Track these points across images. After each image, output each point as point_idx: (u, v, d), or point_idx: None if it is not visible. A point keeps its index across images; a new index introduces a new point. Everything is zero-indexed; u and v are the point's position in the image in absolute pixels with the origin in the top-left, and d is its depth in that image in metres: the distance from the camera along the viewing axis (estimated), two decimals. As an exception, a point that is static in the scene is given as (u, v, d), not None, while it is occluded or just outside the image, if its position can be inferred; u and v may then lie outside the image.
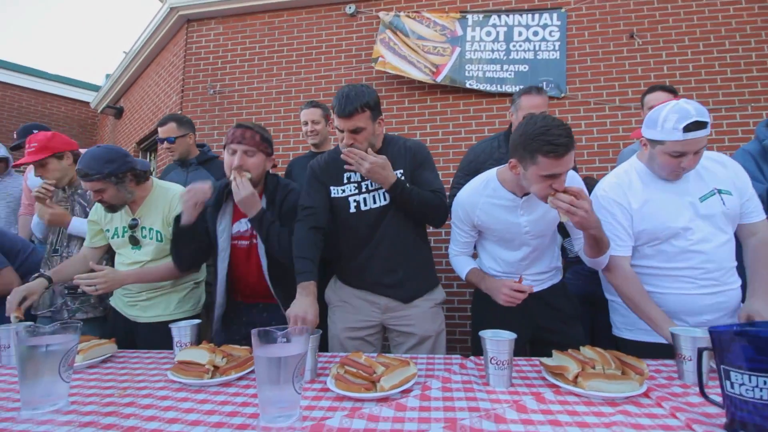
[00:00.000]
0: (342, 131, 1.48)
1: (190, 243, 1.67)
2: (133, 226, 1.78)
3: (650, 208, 1.41)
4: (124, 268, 1.78)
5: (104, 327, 1.95)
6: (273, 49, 3.85)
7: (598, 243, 1.32)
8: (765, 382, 0.78)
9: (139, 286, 1.78)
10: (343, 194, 1.60)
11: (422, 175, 1.58)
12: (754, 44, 3.17)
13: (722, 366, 0.84)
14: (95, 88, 6.69)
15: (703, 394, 0.91)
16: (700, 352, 0.92)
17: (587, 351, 1.13)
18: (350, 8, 3.72)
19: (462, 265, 1.63)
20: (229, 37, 3.95)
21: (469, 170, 2.14)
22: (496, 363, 1.09)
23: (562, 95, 3.30)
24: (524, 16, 3.44)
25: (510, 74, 3.37)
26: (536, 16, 3.42)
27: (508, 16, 3.47)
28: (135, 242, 1.78)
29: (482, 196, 1.52)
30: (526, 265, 1.56)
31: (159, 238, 1.78)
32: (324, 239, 1.55)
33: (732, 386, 0.81)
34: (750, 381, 0.79)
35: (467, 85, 3.40)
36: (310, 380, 1.17)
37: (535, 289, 1.51)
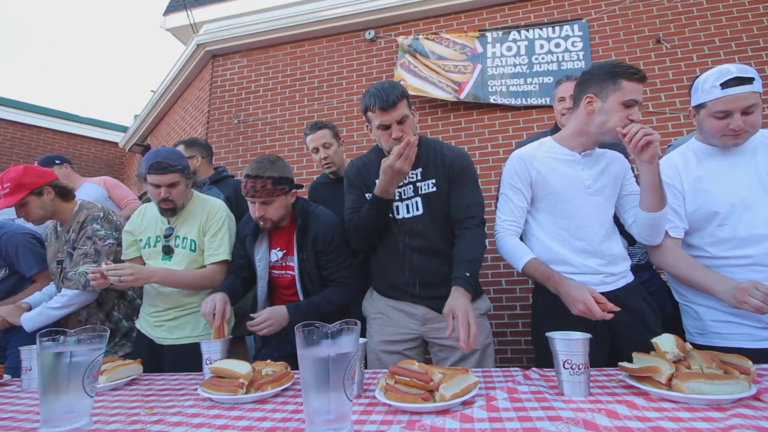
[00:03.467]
0: (387, 127, 1.43)
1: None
2: (168, 235, 1.74)
3: (705, 184, 1.30)
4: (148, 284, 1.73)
5: (127, 354, 1.86)
6: (295, 78, 3.95)
7: (659, 189, 1.25)
8: None
9: (167, 303, 1.71)
10: None
11: (460, 190, 1.48)
12: (790, 39, 3.06)
13: None
14: (124, 128, 7.00)
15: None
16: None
17: (669, 346, 0.95)
18: (369, 34, 3.81)
19: (518, 250, 1.38)
20: (253, 69, 4.09)
21: None
22: (571, 367, 0.94)
23: None
24: (545, 29, 3.44)
25: (534, 87, 3.31)
26: (557, 28, 3.41)
27: (528, 30, 3.47)
28: (168, 251, 1.73)
29: (540, 152, 1.44)
30: (596, 259, 1.37)
31: (192, 248, 1.73)
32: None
33: None
34: None
35: (491, 100, 3.35)
36: (357, 395, 1.04)
37: (610, 289, 1.33)
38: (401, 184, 1.51)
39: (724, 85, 1.21)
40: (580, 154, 1.40)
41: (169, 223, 1.76)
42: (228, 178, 2.52)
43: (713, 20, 3.18)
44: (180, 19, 6.02)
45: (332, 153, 2.12)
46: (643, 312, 1.34)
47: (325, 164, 2.13)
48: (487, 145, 3.34)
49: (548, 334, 1.00)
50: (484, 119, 3.40)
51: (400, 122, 1.41)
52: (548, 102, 3.24)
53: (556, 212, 1.39)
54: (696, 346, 1.33)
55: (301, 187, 1.75)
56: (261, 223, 1.56)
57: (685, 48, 3.17)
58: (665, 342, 0.96)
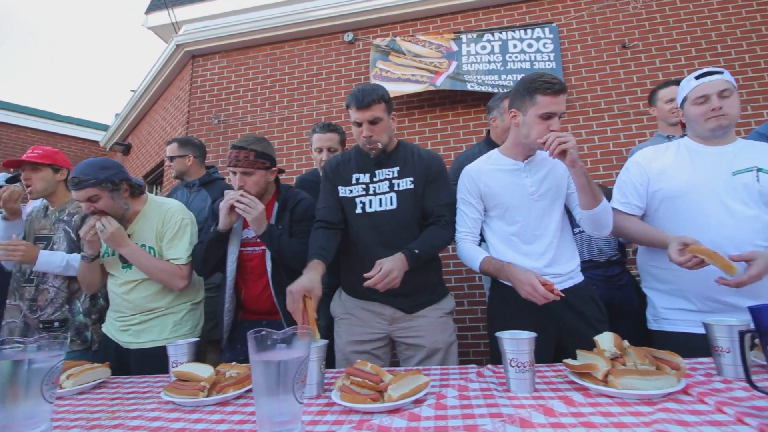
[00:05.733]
0: (360, 125, 1.49)
1: (220, 249, 1.67)
2: None
3: (673, 171, 1.40)
4: (116, 289, 1.72)
5: (86, 359, 1.85)
6: (275, 79, 3.95)
7: (588, 189, 1.33)
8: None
9: (132, 309, 1.71)
10: (351, 194, 1.57)
11: (433, 191, 1.56)
12: (746, 47, 3.20)
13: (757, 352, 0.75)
14: (105, 127, 6.88)
15: (750, 383, 0.81)
16: (741, 335, 0.83)
17: (608, 344, 1.01)
18: (348, 36, 3.84)
19: (473, 252, 1.48)
20: (233, 70, 4.07)
21: (456, 178, 2.12)
22: (517, 365, 1.00)
23: None
24: (517, 32, 3.51)
25: (509, 83, 3.36)
26: (529, 31, 3.49)
27: (501, 32, 3.54)
28: (126, 261, 1.70)
29: (486, 165, 1.54)
30: (549, 255, 1.45)
31: (152, 255, 1.72)
32: (339, 235, 1.57)
33: (787, 371, 0.72)
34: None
35: (468, 87, 3.37)
36: (317, 395, 1.07)
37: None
38: (375, 179, 1.55)
39: (699, 77, 1.38)
40: (522, 162, 1.48)
41: (125, 230, 1.71)
42: (218, 180, 2.55)
43: (675, 27, 3.30)
44: (162, 17, 5.93)
45: None
46: (590, 311, 1.41)
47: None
48: (461, 146, 3.41)
49: (497, 333, 1.05)
50: (459, 120, 3.46)
51: (372, 122, 1.47)
52: None
53: (506, 219, 1.48)
54: (650, 332, 1.43)
55: (283, 172, 1.83)
56: (240, 194, 1.58)
57: (648, 53, 3.29)
58: (604, 340, 1.02)
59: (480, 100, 3.39)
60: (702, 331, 1.05)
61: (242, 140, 1.64)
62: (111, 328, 1.77)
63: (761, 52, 3.20)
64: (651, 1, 3.40)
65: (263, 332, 0.84)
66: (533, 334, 1.02)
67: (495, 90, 3.32)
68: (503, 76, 3.40)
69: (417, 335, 1.47)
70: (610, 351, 0.99)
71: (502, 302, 1.45)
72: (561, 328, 1.38)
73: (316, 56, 3.89)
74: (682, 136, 2.36)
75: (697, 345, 1.14)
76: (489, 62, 3.47)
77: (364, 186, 1.56)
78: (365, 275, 1.35)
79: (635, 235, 1.46)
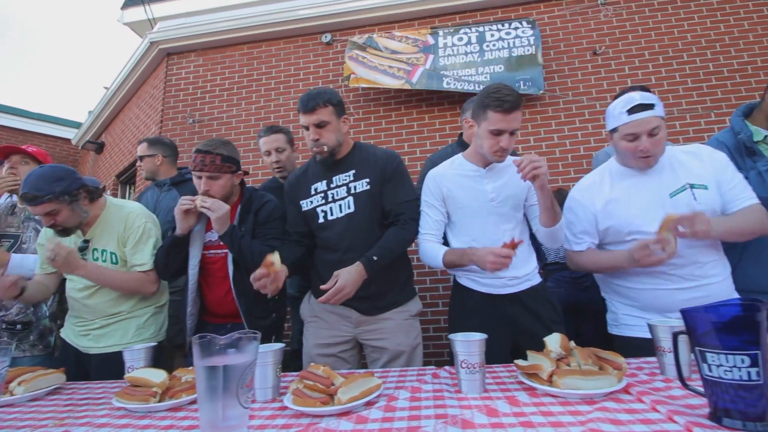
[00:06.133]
0: (308, 129, 1.49)
1: (180, 253, 1.65)
2: (83, 249, 1.65)
3: (615, 207, 1.39)
4: (75, 294, 1.67)
5: (48, 365, 1.81)
6: (252, 78, 3.91)
7: (551, 210, 1.38)
8: (743, 361, 0.72)
9: (93, 314, 1.67)
10: (311, 206, 1.57)
11: (390, 189, 1.56)
12: (710, 55, 3.32)
13: (697, 348, 0.78)
14: (77, 125, 6.68)
15: (683, 382, 0.85)
16: (675, 336, 0.86)
17: (555, 345, 1.05)
18: (326, 37, 3.83)
19: (434, 250, 1.50)
20: (209, 69, 4.02)
21: None
22: (467, 367, 1.01)
23: (540, 92, 3.30)
24: (495, 24, 3.54)
25: (485, 77, 3.37)
26: (506, 24, 3.53)
27: (479, 26, 3.57)
28: None
29: (450, 170, 1.56)
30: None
31: (114, 260, 1.67)
32: (303, 245, 1.60)
33: (710, 369, 0.76)
34: (727, 361, 0.73)
35: (444, 85, 3.37)
36: (272, 399, 1.07)
37: (512, 291, 1.45)
38: (332, 185, 1.56)
39: (631, 111, 1.32)
40: (484, 168, 1.50)
41: (83, 235, 1.68)
42: (190, 180, 2.51)
43: (643, 35, 3.41)
44: (138, 13, 5.80)
45: (284, 158, 2.16)
46: (545, 312, 1.45)
47: (276, 168, 2.16)
48: (437, 148, 3.43)
49: (450, 336, 1.07)
50: (435, 123, 3.49)
51: (319, 126, 1.47)
52: None
53: (466, 224, 1.50)
54: (611, 336, 1.47)
55: (248, 173, 1.81)
56: (203, 199, 1.58)
57: (618, 60, 3.38)
58: (552, 341, 1.05)
59: (457, 103, 3.43)
60: None
61: (207, 144, 1.62)
62: (70, 332, 1.72)
63: (724, 60, 3.33)
64: (621, 9, 3.50)
65: (207, 337, 0.83)
66: (483, 336, 1.04)
67: (471, 86, 3.33)
68: (480, 69, 3.40)
69: (381, 338, 1.49)
70: (556, 352, 1.02)
71: (461, 304, 1.49)
72: (516, 329, 1.41)
73: (293, 56, 3.87)
74: None
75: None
76: (466, 53, 3.46)
77: (322, 194, 1.57)
78: (321, 287, 1.38)
79: (591, 267, 1.47)
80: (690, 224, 1.20)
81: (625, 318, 1.39)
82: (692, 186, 1.32)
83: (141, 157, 2.49)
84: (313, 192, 1.58)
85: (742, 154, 1.49)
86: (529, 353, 1.09)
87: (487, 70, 3.39)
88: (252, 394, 0.88)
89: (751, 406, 0.72)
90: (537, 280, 1.51)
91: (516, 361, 1.08)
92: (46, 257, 1.48)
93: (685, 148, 1.41)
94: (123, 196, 5.20)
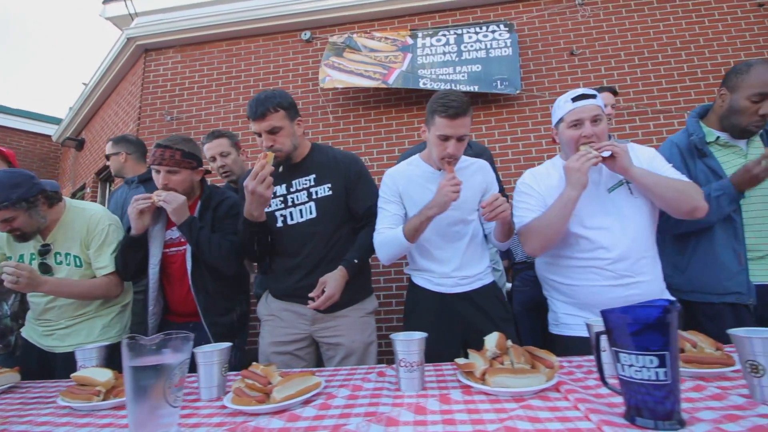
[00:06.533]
0: (260, 135, 1.48)
1: (138, 253, 1.64)
2: (44, 253, 1.64)
3: (558, 195, 1.41)
4: (38, 299, 1.66)
5: (9, 365, 1.79)
6: (231, 75, 3.89)
7: (507, 234, 1.44)
8: (651, 361, 0.75)
9: (59, 314, 1.66)
10: (270, 209, 1.57)
11: (359, 194, 1.58)
12: (684, 56, 3.37)
13: (613, 348, 0.80)
14: (57, 121, 6.59)
15: (603, 381, 0.87)
16: (597, 336, 0.89)
17: (491, 344, 1.07)
18: (306, 34, 3.82)
19: (391, 233, 1.45)
20: (187, 65, 3.98)
21: None
22: (406, 365, 1.03)
23: (517, 92, 3.32)
24: (472, 27, 3.56)
25: (463, 76, 3.38)
26: (484, 27, 3.55)
27: (457, 28, 3.58)
28: (46, 269, 1.64)
29: (407, 169, 1.56)
30: (457, 260, 1.50)
31: (77, 263, 1.67)
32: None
33: (623, 369, 0.78)
34: (638, 361, 0.76)
35: (421, 85, 3.37)
36: (216, 398, 1.08)
37: (464, 290, 1.47)
38: (292, 190, 1.56)
39: (575, 99, 1.38)
40: (439, 170, 1.51)
41: (43, 239, 1.66)
42: None
43: (619, 35, 3.44)
44: (120, 8, 5.72)
45: (230, 161, 2.18)
46: (495, 310, 1.47)
47: (223, 173, 2.18)
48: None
49: (391, 335, 1.08)
50: (413, 122, 3.50)
51: (271, 132, 1.46)
52: (476, 89, 3.32)
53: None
54: (552, 336, 1.49)
55: (209, 171, 1.83)
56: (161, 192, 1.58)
57: (594, 60, 3.42)
58: (489, 340, 1.08)
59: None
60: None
61: (168, 139, 1.63)
62: (32, 333, 1.71)
63: (698, 61, 3.37)
64: (598, 10, 3.53)
65: (135, 338, 0.84)
66: (423, 335, 1.06)
67: (448, 85, 3.34)
68: (458, 68, 3.41)
69: (336, 335, 1.50)
70: (491, 351, 1.04)
71: (414, 303, 1.51)
72: (467, 327, 1.43)
73: (273, 54, 3.85)
74: None
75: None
76: (444, 53, 3.47)
77: (282, 198, 1.57)
78: (310, 295, 1.40)
79: (544, 224, 1.36)
80: (615, 150, 1.27)
81: (565, 317, 1.41)
82: (627, 182, 1.35)
83: (107, 156, 2.51)
84: (271, 195, 1.58)
85: (693, 154, 1.52)
86: (469, 352, 1.11)
87: (465, 69, 3.40)
88: (183, 393, 0.88)
89: (659, 404, 0.74)
90: (489, 279, 1.53)
91: (456, 360, 1.10)
92: (7, 282, 1.44)
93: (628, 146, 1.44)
94: (103, 194, 5.15)
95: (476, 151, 2.42)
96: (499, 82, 3.29)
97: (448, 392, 0.99)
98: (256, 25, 3.87)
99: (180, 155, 1.59)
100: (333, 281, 1.44)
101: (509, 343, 1.08)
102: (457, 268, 1.46)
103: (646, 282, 1.30)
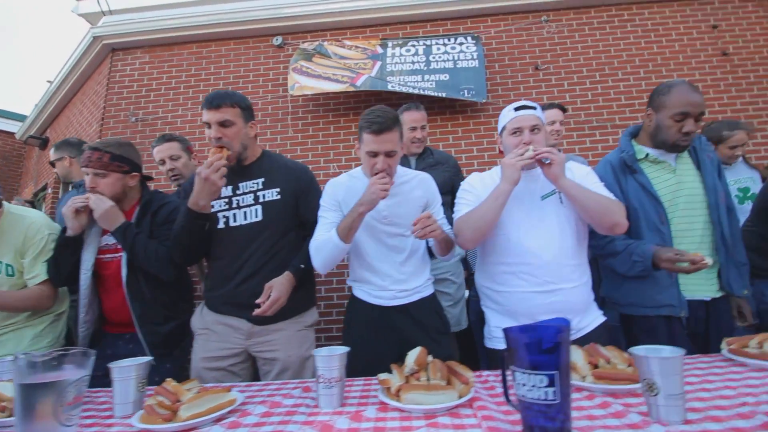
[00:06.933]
0: (210, 126, 1.46)
1: (72, 255, 1.60)
2: None
3: None
4: None
5: None
6: (200, 78, 3.84)
7: (447, 242, 1.45)
8: (541, 381, 0.76)
9: None
10: (212, 209, 1.54)
11: (310, 202, 1.57)
12: (642, 74, 3.49)
13: (512, 367, 0.81)
14: (22, 118, 6.37)
15: (506, 398, 0.88)
16: (501, 353, 0.90)
17: (410, 360, 1.07)
18: (277, 40, 3.80)
19: (325, 236, 1.42)
20: (155, 66, 3.91)
21: None
22: (325, 381, 1.02)
23: (483, 101, 3.37)
24: (441, 39, 3.61)
25: (431, 84, 3.42)
26: (452, 38, 3.60)
27: (426, 39, 3.63)
28: None
29: (348, 180, 1.56)
30: (395, 273, 1.49)
31: (9, 272, 1.60)
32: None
33: (519, 388, 0.79)
34: (530, 380, 0.77)
35: (389, 88, 3.38)
36: (131, 414, 1.05)
37: (402, 303, 1.47)
38: (239, 192, 1.54)
39: (517, 109, 1.44)
40: None
41: None
42: None
43: (582, 52, 3.55)
44: (93, 5, 5.60)
45: (180, 165, 2.16)
46: (431, 323, 1.47)
47: (173, 176, 2.16)
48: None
49: (313, 351, 1.07)
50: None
51: (223, 125, 1.44)
52: (444, 95, 3.38)
53: (358, 240, 1.50)
54: (487, 350, 1.50)
55: (150, 178, 1.80)
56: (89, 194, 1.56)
57: (558, 76, 3.51)
58: (410, 356, 1.08)
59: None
60: None
61: (100, 141, 1.61)
62: None
63: (655, 79, 3.49)
64: (563, 27, 3.63)
65: (25, 355, 0.81)
66: (344, 350, 1.06)
67: (416, 91, 3.38)
68: (426, 77, 3.45)
69: (272, 349, 1.48)
70: (409, 367, 1.04)
71: (352, 316, 1.50)
72: (403, 341, 1.42)
73: (243, 58, 3.82)
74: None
75: None
76: (413, 62, 3.51)
77: (226, 200, 1.54)
78: (257, 301, 1.39)
79: (477, 216, 1.36)
80: (552, 158, 1.30)
81: (496, 330, 1.42)
82: (560, 192, 1.39)
83: (52, 163, 2.46)
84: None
85: (625, 171, 1.57)
86: (392, 367, 1.10)
87: (433, 78, 3.44)
88: (79, 411, 0.85)
89: (549, 423, 0.76)
90: (428, 291, 1.53)
91: (378, 375, 1.10)
92: None
93: (567, 163, 1.48)
94: (64, 195, 4.99)
95: (437, 159, 2.44)
96: (466, 90, 3.34)
97: (365, 409, 0.99)
98: (227, 28, 3.83)
99: (109, 158, 1.56)
100: (279, 285, 1.43)
101: (430, 358, 1.09)
102: (396, 281, 1.46)
103: (569, 290, 1.32)
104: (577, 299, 1.35)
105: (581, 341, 1.26)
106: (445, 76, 3.43)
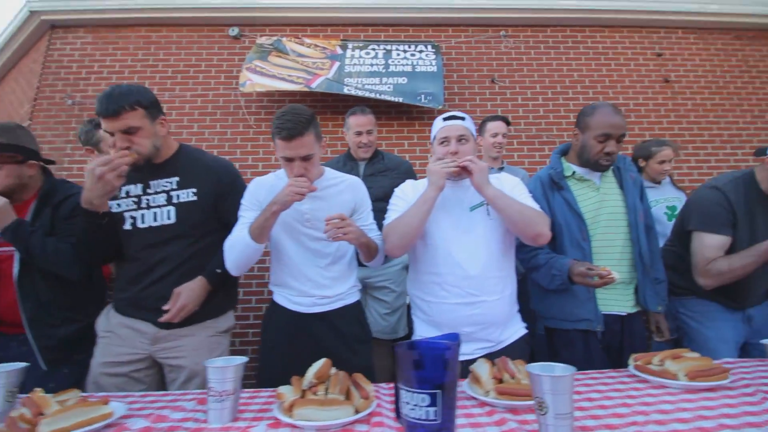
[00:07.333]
0: (113, 134, 1.32)
1: None
2: None
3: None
4: None
5: None
6: (147, 64, 3.62)
7: (368, 248, 1.40)
8: (423, 400, 0.73)
9: None
10: (119, 209, 1.43)
11: (232, 201, 1.46)
12: (591, 94, 3.65)
13: (397, 384, 0.78)
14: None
15: (397, 414, 0.84)
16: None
17: (311, 372, 1.02)
18: (233, 30, 3.66)
19: (237, 235, 1.35)
20: (99, 48, 3.66)
21: None
22: (215, 394, 0.95)
23: (440, 107, 3.36)
24: (402, 44, 3.61)
25: (389, 87, 3.39)
26: (412, 45, 3.61)
27: (387, 44, 3.62)
28: None
29: (271, 180, 1.47)
30: (317, 279, 1.44)
31: None
32: None
33: (404, 406, 0.75)
34: (413, 399, 0.73)
35: (345, 91, 3.33)
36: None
37: (322, 310, 1.42)
38: (150, 191, 1.43)
39: (446, 119, 1.45)
40: None
41: None
42: None
43: (537, 69, 3.66)
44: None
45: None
46: (351, 331, 1.43)
47: None
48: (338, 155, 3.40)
49: (205, 362, 0.99)
50: (338, 132, 3.46)
51: (127, 132, 1.31)
52: (401, 101, 3.35)
53: (279, 242, 1.44)
54: None
55: (52, 162, 1.64)
56: None
57: (513, 90, 3.60)
58: (312, 368, 1.03)
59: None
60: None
61: None
62: None
63: (613, 94, 3.67)
64: (520, 43, 3.73)
65: None
66: (241, 360, 0.99)
67: (373, 95, 3.34)
68: (384, 80, 3.42)
69: (179, 356, 1.38)
70: (307, 380, 0.99)
71: (270, 321, 1.44)
72: (320, 349, 1.36)
73: (196, 47, 3.65)
74: (501, 168, 2.57)
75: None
76: (372, 65, 3.48)
77: (135, 199, 1.43)
78: (164, 307, 1.33)
79: (405, 222, 1.34)
80: (472, 167, 1.30)
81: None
82: (488, 203, 1.39)
83: None
84: (123, 194, 1.43)
85: (552, 187, 1.61)
86: (292, 380, 1.05)
87: (391, 81, 3.42)
88: None
89: (431, 443, 0.73)
90: (352, 299, 1.49)
91: (278, 388, 1.03)
92: None
93: (495, 175, 1.48)
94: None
95: (387, 164, 2.41)
96: (423, 96, 3.35)
97: (256, 425, 0.92)
98: (181, 14, 3.65)
99: None
100: (188, 291, 1.36)
101: (333, 370, 1.04)
102: (318, 286, 1.41)
103: (491, 302, 1.32)
104: (498, 311, 1.35)
105: (500, 353, 1.26)
106: (404, 80, 3.42)
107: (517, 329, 1.42)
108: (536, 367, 0.88)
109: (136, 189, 1.43)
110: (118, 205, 1.42)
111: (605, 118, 1.53)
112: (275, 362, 1.37)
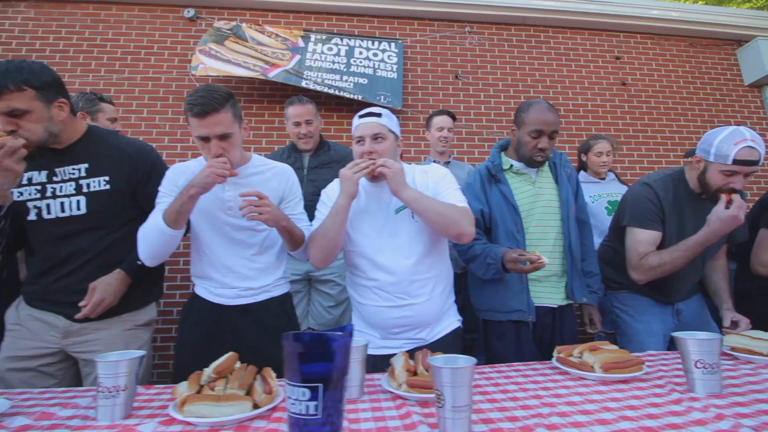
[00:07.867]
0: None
1: None
2: None
3: (353, 220, 1.38)
4: None
5: None
6: (94, 44, 3.41)
7: (291, 235, 1.34)
8: (304, 394, 0.69)
9: None
10: (20, 198, 1.31)
11: (151, 189, 1.38)
12: (552, 94, 3.71)
13: (284, 379, 0.74)
14: None
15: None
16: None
17: (209, 368, 0.97)
18: (189, 12, 3.50)
19: (151, 221, 1.27)
20: (41, 24, 3.42)
21: None
22: (105, 390, 0.89)
23: (399, 108, 3.35)
24: (365, 41, 3.56)
25: (349, 84, 3.34)
26: (376, 42, 3.56)
27: (350, 39, 3.56)
28: None
29: (192, 166, 1.38)
30: (241, 270, 1.38)
31: None
32: None
33: (287, 401, 0.71)
34: (293, 393, 0.69)
35: (303, 85, 3.25)
36: None
37: (245, 302, 1.36)
38: (56, 179, 1.32)
39: (360, 116, 1.38)
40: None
41: None
42: None
43: (500, 67, 3.69)
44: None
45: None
46: (276, 325, 1.37)
47: None
48: (286, 141, 3.32)
49: (95, 357, 0.93)
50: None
51: (12, 115, 1.18)
52: (360, 99, 3.29)
53: (199, 231, 1.37)
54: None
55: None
56: None
57: (476, 87, 3.62)
58: (214, 363, 0.97)
59: (324, 104, 3.35)
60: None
61: None
62: None
63: (563, 101, 3.73)
64: (485, 40, 3.74)
65: None
66: (136, 354, 0.93)
67: (332, 91, 3.28)
68: (345, 77, 3.37)
69: (92, 350, 1.30)
70: (206, 375, 0.93)
71: (188, 313, 1.38)
72: (240, 343, 1.31)
73: (148, 27, 3.47)
74: (448, 162, 2.56)
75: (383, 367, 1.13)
76: (333, 62, 3.42)
77: (38, 187, 1.32)
78: (80, 304, 1.26)
79: (321, 232, 1.30)
80: (386, 171, 1.25)
81: (359, 334, 1.36)
82: None
83: None
84: (25, 182, 1.31)
85: (490, 180, 1.61)
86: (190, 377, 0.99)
87: (351, 80, 3.38)
88: None
89: (313, 440, 0.69)
90: (280, 291, 1.44)
91: (177, 385, 0.98)
92: None
93: (423, 168, 1.46)
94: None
95: (333, 156, 2.33)
96: (382, 96, 3.33)
97: (145, 422, 0.86)
98: (133, -8, 3.46)
99: None
100: (104, 285, 1.29)
101: (238, 364, 0.99)
102: (241, 277, 1.35)
103: (420, 304, 1.31)
104: (428, 312, 1.33)
105: (429, 348, 1.24)
106: (364, 80, 3.40)
107: (450, 323, 1.41)
108: (439, 360, 0.86)
109: (39, 176, 1.32)
110: (20, 193, 1.31)
111: (538, 115, 1.54)
112: (192, 357, 1.30)
